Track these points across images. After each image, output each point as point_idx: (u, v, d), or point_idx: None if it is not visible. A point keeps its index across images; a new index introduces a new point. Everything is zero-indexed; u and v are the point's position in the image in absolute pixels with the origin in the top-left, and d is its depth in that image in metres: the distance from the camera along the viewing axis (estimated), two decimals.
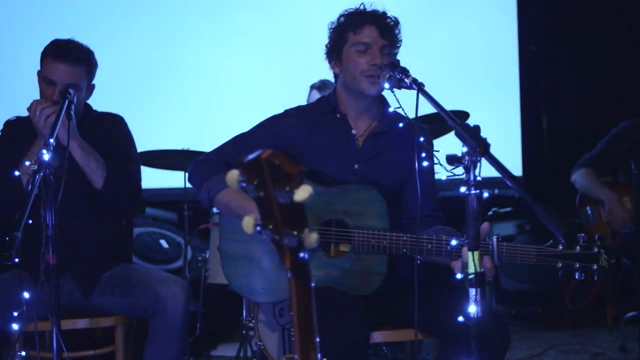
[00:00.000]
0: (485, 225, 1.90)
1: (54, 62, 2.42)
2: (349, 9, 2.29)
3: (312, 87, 3.89)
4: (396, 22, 2.26)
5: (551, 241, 1.96)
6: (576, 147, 4.95)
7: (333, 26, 2.30)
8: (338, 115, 2.30)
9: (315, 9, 4.76)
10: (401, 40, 2.28)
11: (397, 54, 2.28)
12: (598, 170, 3.53)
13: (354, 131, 2.30)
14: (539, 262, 1.96)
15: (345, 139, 2.29)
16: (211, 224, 3.17)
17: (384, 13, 2.25)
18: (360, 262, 2.16)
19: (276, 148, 2.20)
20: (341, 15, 2.28)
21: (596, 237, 1.98)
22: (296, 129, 2.30)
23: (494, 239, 1.94)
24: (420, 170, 1.99)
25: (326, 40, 2.32)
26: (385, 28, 2.22)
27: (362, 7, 2.26)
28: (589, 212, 3.50)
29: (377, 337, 2.21)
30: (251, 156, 0.99)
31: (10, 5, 4.47)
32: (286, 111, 2.38)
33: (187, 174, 2.44)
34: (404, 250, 2.08)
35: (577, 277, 1.92)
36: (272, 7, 4.81)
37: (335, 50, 2.28)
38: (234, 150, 2.29)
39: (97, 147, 2.48)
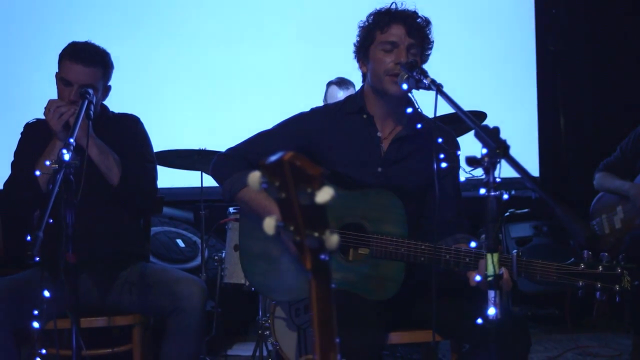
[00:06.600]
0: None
1: (71, 63, 2.46)
2: (380, 7, 2.23)
3: (330, 83, 3.88)
4: (427, 22, 2.20)
5: (572, 259, 1.91)
6: (593, 147, 4.92)
7: (362, 25, 2.24)
8: (365, 116, 2.27)
9: (330, 6, 4.76)
10: (433, 41, 2.22)
11: (428, 55, 2.22)
12: (615, 173, 3.49)
13: (379, 133, 2.26)
14: (558, 280, 1.90)
15: (370, 140, 2.25)
16: (231, 219, 3.18)
17: (414, 12, 2.20)
18: (378, 267, 2.13)
19: (300, 146, 2.20)
20: (370, 15, 2.23)
21: (620, 257, 1.90)
22: (322, 128, 2.27)
23: (514, 253, 1.90)
24: (441, 174, 1.96)
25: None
26: (413, 27, 2.16)
27: (392, 6, 2.21)
28: (594, 225, 3.46)
29: (394, 337, 2.19)
30: (273, 158, 0.99)
31: (27, 9, 4.51)
32: (312, 110, 2.35)
33: (205, 172, 2.44)
34: (422, 259, 2.06)
35: (597, 296, 1.87)
36: (287, 5, 4.81)
37: (363, 50, 2.23)
38: (257, 148, 2.27)
39: (113, 147, 2.51)
